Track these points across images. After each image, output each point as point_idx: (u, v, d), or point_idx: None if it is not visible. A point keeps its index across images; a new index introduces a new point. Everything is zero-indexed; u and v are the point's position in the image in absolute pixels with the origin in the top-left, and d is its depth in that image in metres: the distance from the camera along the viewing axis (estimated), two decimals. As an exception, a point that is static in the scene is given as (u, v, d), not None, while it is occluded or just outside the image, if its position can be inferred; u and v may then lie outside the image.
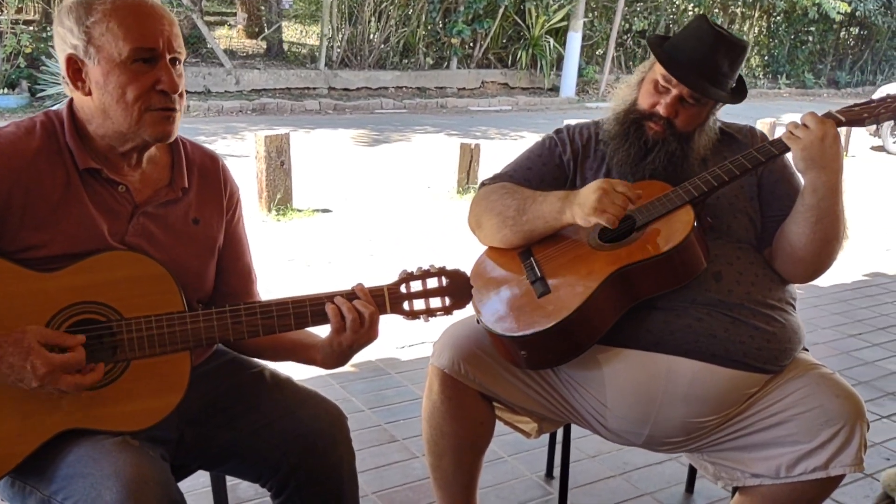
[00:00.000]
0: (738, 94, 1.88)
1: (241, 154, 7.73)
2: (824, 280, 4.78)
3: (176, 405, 1.43)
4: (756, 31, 18.22)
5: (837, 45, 19.81)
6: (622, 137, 1.86)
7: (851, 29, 19.77)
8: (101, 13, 1.38)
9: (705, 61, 1.78)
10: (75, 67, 1.41)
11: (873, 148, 11.68)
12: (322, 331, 1.56)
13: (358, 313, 1.46)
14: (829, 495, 1.73)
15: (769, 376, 1.73)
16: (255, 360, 1.70)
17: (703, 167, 1.82)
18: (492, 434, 1.91)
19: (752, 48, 18.22)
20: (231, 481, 1.93)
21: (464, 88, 14.21)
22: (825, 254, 1.75)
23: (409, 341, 3.50)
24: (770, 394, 1.72)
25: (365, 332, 1.48)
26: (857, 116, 1.75)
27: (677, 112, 1.81)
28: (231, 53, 12.79)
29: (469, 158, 6.71)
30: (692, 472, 2.47)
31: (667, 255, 1.63)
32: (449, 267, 1.53)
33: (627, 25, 16.11)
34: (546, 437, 2.47)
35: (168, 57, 1.42)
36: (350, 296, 1.49)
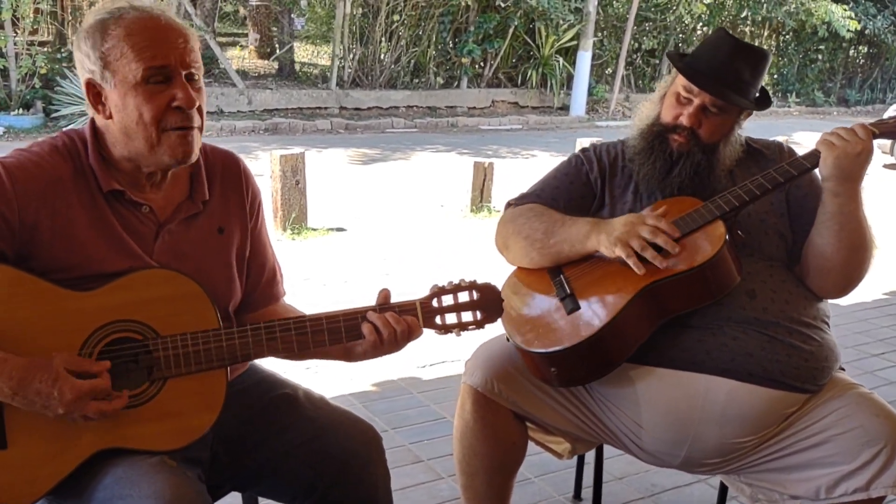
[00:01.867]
0: (762, 102, 1.87)
1: (254, 174, 7.76)
2: (845, 299, 4.73)
3: (213, 423, 1.42)
4: (765, 50, 18.23)
5: (847, 63, 19.82)
6: (647, 152, 1.86)
7: (861, 47, 19.77)
8: (115, 37, 1.38)
9: (725, 69, 1.78)
10: (94, 91, 1.42)
11: (886, 166, 11.64)
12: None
13: (394, 329, 1.46)
14: (870, 517, 1.70)
15: (807, 396, 1.70)
16: (288, 379, 1.69)
17: (730, 180, 1.81)
18: (524, 455, 1.89)
19: (762, 67, 18.22)
20: (263, 502, 1.91)
21: (474, 107, 14.26)
22: (854, 263, 1.74)
23: (431, 360, 3.48)
24: (809, 414, 1.69)
25: (397, 347, 1.49)
26: (892, 129, 1.75)
27: (700, 122, 1.81)
28: (243, 74, 12.87)
29: (483, 177, 6.73)
30: (722, 494, 2.43)
31: (699, 270, 1.62)
32: (480, 280, 1.52)
33: (637, 45, 16.16)
34: (574, 458, 2.45)
35: (183, 73, 1.41)
36: (383, 309, 1.48)
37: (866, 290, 4.98)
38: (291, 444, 1.55)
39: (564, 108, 14.79)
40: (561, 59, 14.55)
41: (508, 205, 1.97)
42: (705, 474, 1.91)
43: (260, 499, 1.78)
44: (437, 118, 13.22)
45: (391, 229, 6.22)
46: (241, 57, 14.48)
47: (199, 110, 1.45)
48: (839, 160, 1.66)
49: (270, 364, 1.69)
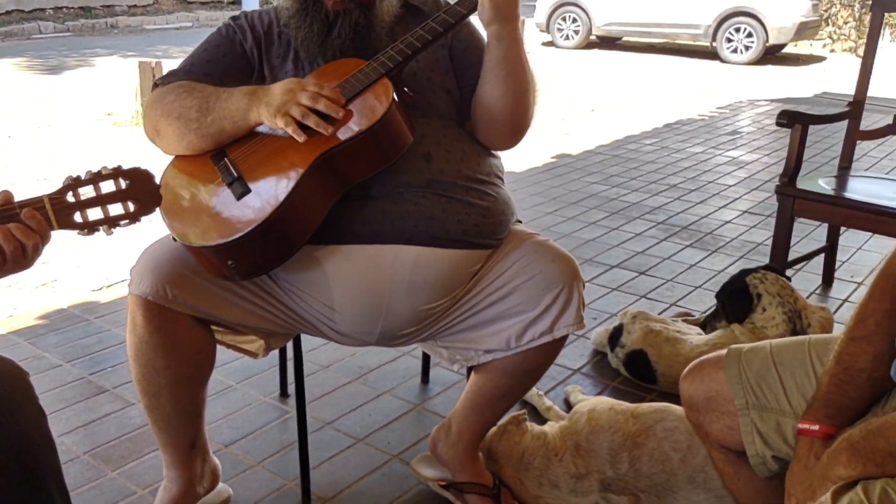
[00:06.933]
0: None
1: None
2: (519, 165, 5.09)
3: None
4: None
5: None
6: (302, 14, 1.70)
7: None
8: None
9: None
10: None
11: (544, 44, 12.60)
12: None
13: (19, 243, 1.18)
14: (556, 357, 1.79)
15: (489, 251, 1.71)
16: None
17: (391, 39, 1.71)
18: (213, 361, 1.72)
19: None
20: None
21: (135, 6, 12.99)
22: (522, 109, 1.73)
23: (107, 281, 3.13)
24: (493, 269, 1.71)
25: (27, 262, 1.21)
26: None
27: None
28: None
29: (151, 78, 6.12)
30: (426, 363, 2.49)
31: (370, 132, 1.52)
32: (126, 166, 1.28)
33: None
34: (275, 357, 2.33)
35: None
36: (5, 217, 1.20)
37: (536, 156, 5.38)
38: None
39: (236, 2, 14.03)
40: (225, -51, 13.66)
41: (155, 85, 1.72)
42: (404, 345, 1.88)
43: None
44: (94, 19, 11.86)
45: (50, 145, 5.50)
46: None
47: None
48: (494, 1, 1.62)
49: None
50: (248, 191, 1.52)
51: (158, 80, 1.72)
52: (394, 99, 1.54)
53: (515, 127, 1.74)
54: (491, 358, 1.75)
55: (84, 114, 6.52)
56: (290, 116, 1.49)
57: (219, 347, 1.74)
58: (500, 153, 1.84)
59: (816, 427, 1.16)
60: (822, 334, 1.73)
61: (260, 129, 1.60)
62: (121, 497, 1.92)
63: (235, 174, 1.55)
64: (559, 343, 1.73)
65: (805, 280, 3.30)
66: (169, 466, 1.78)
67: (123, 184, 1.26)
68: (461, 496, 1.90)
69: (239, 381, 2.44)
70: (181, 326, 1.62)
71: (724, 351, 1.37)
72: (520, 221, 1.86)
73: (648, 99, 8.18)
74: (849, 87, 3.70)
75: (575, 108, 7.54)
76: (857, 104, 3.07)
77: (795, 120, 2.77)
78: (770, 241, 2.96)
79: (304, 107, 1.49)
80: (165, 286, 1.57)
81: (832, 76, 10.29)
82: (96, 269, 3.21)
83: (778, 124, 2.77)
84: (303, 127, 1.51)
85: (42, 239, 1.21)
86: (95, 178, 1.24)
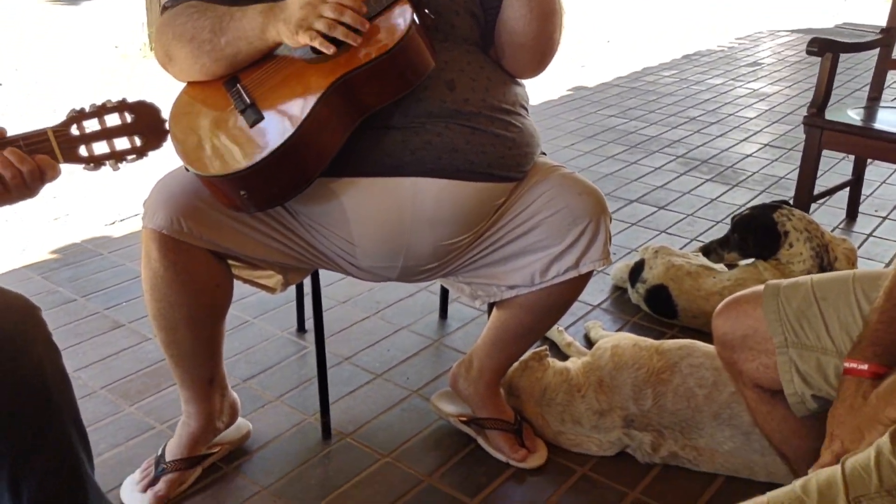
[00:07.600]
0: None
1: None
2: (535, 98, 4.94)
3: None
4: None
5: None
6: None
7: None
8: None
9: None
10: None
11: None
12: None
13: (17, 170, 1.14)
14: (581, 293, 1.75)
15: (514, 184, 1.65)
16: None
17: None
18: (231, 296, 1.68)
19: None
20: None
21: (138, -66, 12.63)
22: (547, 33, 1.63)
23: (120, 215, 3.09)
24: (517, 202, 1.65)
25: (29, 191, 1.17)
26: None
27: None
28: None
29: (158, 7, 6.00)
30: (444, 298, 2.45)
31: (390, 56, 1.44)
32: (131, 99, 1.22)
33: None
34: (292, 292, 2.30)
35: None
36: (2, 144, 1.15)
37: (551, 89, 5.25)
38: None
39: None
40: None
41: (164, 8, 1.64)
42: (425, 281, 1.84)
43: None
44: (96, -51, 11.56)
45: (59, 79, 5.41)
46: None
47: None
48: None
49: None
50: (262, 118, 1.46)
51: (168, 3, 1.64)
52: (413, 21, 1.46)
53: (541, 52, 1.65)
54: (514, 294, 1.71)
55: (91, 46, 6.40)
56: (314, 30, 1.40)
57: (235, 282, 1.70)
58: (523, 82, 1.76)
59: (865, 366, 1.10)
60: (867, 269, 1.67)
61: (275, 51, 1.53)
62: (139, 432, 1.92)
63: (248, 101, 1.48)
64: (585, 279, 1.69)
65: (829, 214, 3.23)
66: (187, 402, 1.76)
67: (129, 117, 1.22)
68: (482, 432, 1.88)
69: (256, 315, 2.41)
70: (197, 260, 1.57)
71: (760, 287, 1.31)
72: (544, 153, 1.80)
73: (665, 29, 7.97)
74: (869, 18, 3.55)
75: (590, 39, 7.35)
76: (890, 31, 2.95)
77: (827, 48, 2.66)
78: (792, 175, 2.88)
79: (328, 19, 1.41)
80: (180, 219, 1.53)
81: (852, 6, 9.97)
82: (109, 202, 3.17)
83: (808, 52, 2.66)
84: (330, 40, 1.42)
85: (44, 171, 1.17)
86: (100, 111, 1.20)
